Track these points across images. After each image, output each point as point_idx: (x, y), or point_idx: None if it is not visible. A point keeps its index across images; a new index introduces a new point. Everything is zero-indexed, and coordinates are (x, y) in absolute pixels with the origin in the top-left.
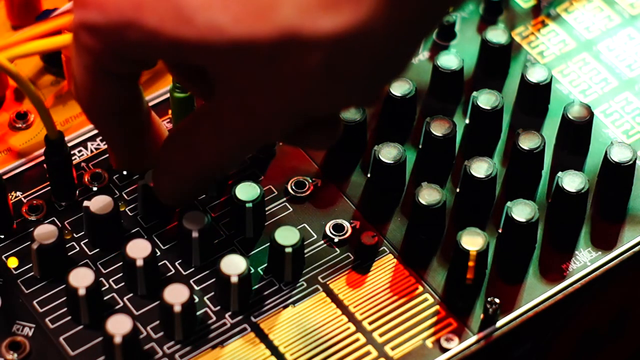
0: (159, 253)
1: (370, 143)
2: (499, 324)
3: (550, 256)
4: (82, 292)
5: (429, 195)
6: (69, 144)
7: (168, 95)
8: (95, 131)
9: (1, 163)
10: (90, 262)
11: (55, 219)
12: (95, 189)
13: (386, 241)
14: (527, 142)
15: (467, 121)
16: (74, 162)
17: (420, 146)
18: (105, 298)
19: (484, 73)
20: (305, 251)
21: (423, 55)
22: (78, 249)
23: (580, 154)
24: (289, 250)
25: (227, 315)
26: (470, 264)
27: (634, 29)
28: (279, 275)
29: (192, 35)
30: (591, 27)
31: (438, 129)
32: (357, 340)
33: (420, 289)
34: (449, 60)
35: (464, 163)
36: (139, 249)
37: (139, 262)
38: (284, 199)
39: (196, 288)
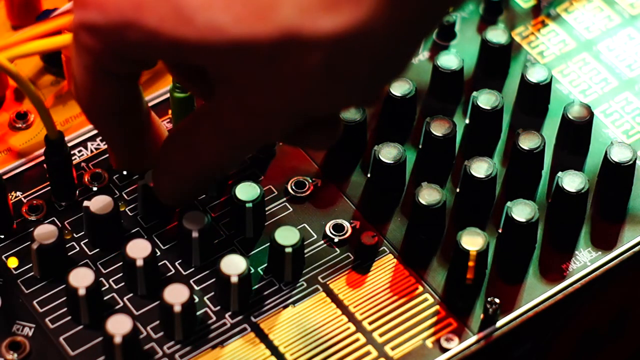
0: (159, 253)
1: (370, 143)
2: (499, 324)
3: (550, 256)
4: (82, 292)
5: (429, 195)
6: (69, 144)
7: (168, 95)
8: (95, 131)
9: (1, 163)
10: (90, 262)
11: (55, 219)
12: (95, 189)
13: (386, 241)
14: (527, 142)
15: (467, 121)
16: (74, 162)
17: (420, 146)
18: (105, 298)
19: (484, 73)
20: (305, 251)
21: (423, 55)
22: (78, 249)
23: (580, 154)
24: (289, 250)
25: (227, 315)
26: (470, 264)
27: (634, 29)
28: (279, 275)
29: (192, 35)
30: (591, 27)
31: (438, 129)
32: (357, 340)
33: (420, 289)
34: (449, 60)
35: (464, 163)
36: (139, 249)
37: (139, 262)
38: (284, 199)
39: (196, 288)
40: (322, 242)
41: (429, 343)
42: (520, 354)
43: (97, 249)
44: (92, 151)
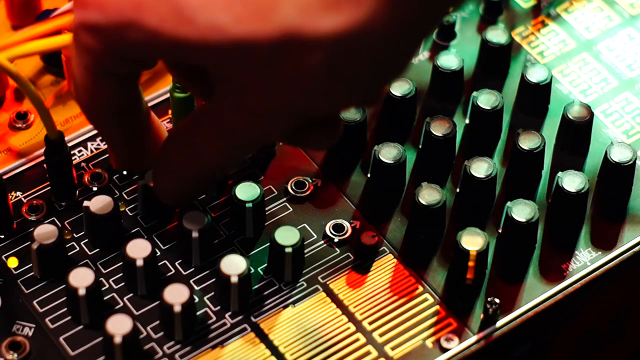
0: (159, 253)
1: (370, 143)
2: (499, 324)
3: (550, 256)
4: (82, 292)
5: (429, 195)
6: (69, 144)
7: (168, 95)
8: (95, 131)
9: (1, 163)
10: (90, 262)
11: (55, 219)
12: (95, 189)
13: (386, 241)
14: (527, 142)
15: (467, 121)
16: (74, 162)
17: (420, 146)
18: (105, 298)
19: (484, 73)
20: (305, 251)
21: (423, 55)
22: (78, 249)
23: (580, 154)
24: (289, 250)
25: (227, 315)
26: (470, 264)
27: (634, 29)
28: (279, 275)
29: (193, 35)
30: (591, 27)
31: (438, 129)
32: (357, 340)
33: (420, 289)
34: (449, 60)
35: (464, 163)
36: (139, 249)
37: (139, 262)
38: (284, 199)
39: (196, 288)
40: (322, 242)
41: (429, 343)
42: (520, 354)
43: (97, 249)
44: (92, 151)
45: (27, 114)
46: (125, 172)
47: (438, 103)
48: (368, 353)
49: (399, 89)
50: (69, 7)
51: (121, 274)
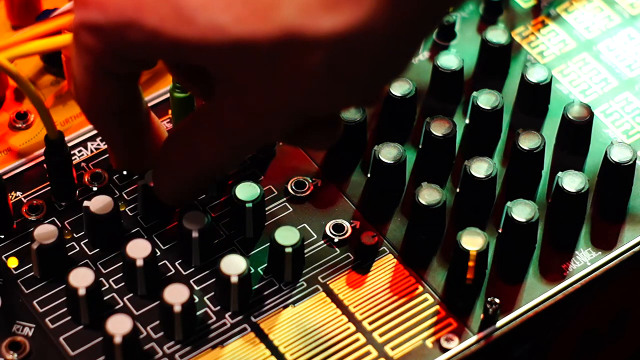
0: (159, 253)
1: (370, 143)
2: (499, 324)
3: (550, 256)
4: (82, 292)
5: (429, 195)
6: (69, 144)
7: (168, 95)
8: (95, 131)
9: (1, 163)
10: (90, 262)
11: (55, 219)
12: (95, 189)
13: (386, 241)
14: (527, 142)
15: (467, 121)
16: (74, 162)
17: (420, 146)
18: (105, 298)
19: (484, 73)
20: (305, 251)
21: (423, 55)
22: (78, 249)
23: (580, 154)
24: (289, 250)
25: (227, 315)
26: (470, 264)
27: (634, 29)
28: (279, 275)
29: (193, 35)
30: (591, 27)
31: (438, 129)
32: (357, 340)
33: (420, 289)
34: (449, 60)
35: (464, 163)
36: (139, 249)
37: (139, 262)
38: (284, 199)
39: (196, 288)
40: (322, 242)
41: (429, 343)
42: (520, 354)
43: (97, 249)
44: (92, 151)
45: (27, 114)
46: (125, 172)
47: (438, 103)
48: (368, 353)
49: (399, 89)
50: (69, 7)
51: (121, 274)
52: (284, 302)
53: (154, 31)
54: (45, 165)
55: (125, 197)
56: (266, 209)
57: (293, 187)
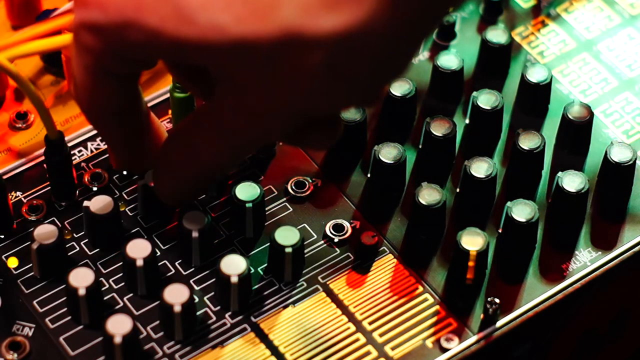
0: (159, 253)
1: (370, 143)
2: (499, 324)
3: (550, 256)
4: (82, 292)
5: (429, 195)
6: (69, 144)
7: (168, 95)
8: (96, 131)
9: (1, 163)
10: (90, 262)
11: (55, 219)
12: (95, 189)
13: (386, 241)
14: (527, 142)
15: (467, 121)
16: (74, 162)
17: (420, 146)
18: (105, 298)
19: (484, 73)
20: (305, 251)
21: (423, 55)
22: (78, 249)
23: (580, 154)
24: (289, 250)
25: (227, 315)
26: (470, 264)
27: (634, 29)
28: (279, 275)
29: (193, 35)
30: (591, 27)
31: (438, 129)
32: (357, 340)
33: (420, 289)
34: (449, 60)
35: (464, 163)
36: (139, 249)
37: (139, 262)
38: (284, 199)
39: (196, 288)
40: (322, 242)
41: (429, 343)
42: (520, 354)
43: (97, 249)
44: (92, 151)
45: (27, 114)
46: (125, 172)
47: (438, 103)
48: (368, 353)
49: (399, 89)
50: (69, 7)
51: (121, 274)
52: (284, 302)
53: (154, 31)
54: (45, 165)
55: (125, 197)
56: (266, 209)
57: (293, 187)
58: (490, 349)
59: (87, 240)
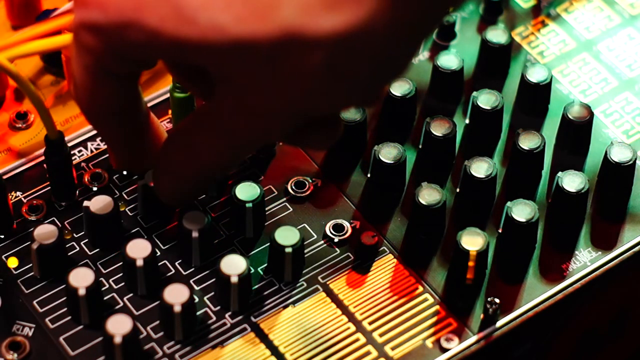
0: (159, 253)
1: (370, 143)
2: (499, 324)
3: (550, 256)
4: (82, 292)
5: (429, 195)
6: (69, 144)
7: (168, 95)
8: (95, 131)
9: (1, 163)
10: (90, 262)
11: (55, 219)
12: (95, 189)
13: (386, 241)
14: (527, 142)
15: (467, 121)
16: (74, 162)
17: (420, 146)
18: (105, 298)
19: (484, 73)
20: (305, 251)
21: (423, 55)
22: (78, 249)
23: (580, 154)
24: (289, 250)
25: (227, 315)
26: (470, 264)
27: (634, 29)
28: (279, 275)
29: (194, 35)
30: (591, 27)
31: (438, 129)
32: (357, 340)
33: (420, 289)
34: (449, 60)
35: (464, 163)
36: (139, 249)
37: (139, 262)
38: (284, 199)
39: (196, 288)
40: (322, 242)
41: (429, 343)
42: (520, 354)
43: (97, 249)
44: (92, 151)
45: (27, 114)
46: (125, 172)
47: (438, 103)
48: (368, 353)
49: (399, 89)
50: (69, 7)
51: (121, 274)
52: (284, 302)
53: (154, 31)
54: (45, 165)
55: (125, 197)
56: (266, 209)
57: (293, 187)
58: (490, 349)
59: (87, 240)
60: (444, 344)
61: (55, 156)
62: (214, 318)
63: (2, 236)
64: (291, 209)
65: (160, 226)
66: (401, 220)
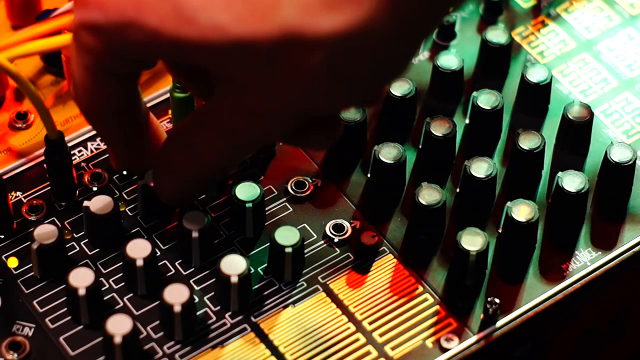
0: (159, 253)
1: (370, 143)
2: (499, 324)
3: (550, 256)
4: (82, 292)
5: (429, 195)
6: (69, 144)
7: (168, 95)
8: (95, 131)
9: (1, 163)
10: (90, 262)
11: (55, 219)
12: (95, 189)
13: (386, 241)
14: (527, 142)
15: (467, 121)
16: (74, 162)
17: (420, 146)
18: (105, 298)
19: (484, 73)
20: (305, 251)
21: (423, 55)
22: (78, 249)
23: (580, 154)
24: (289, 250)
25: (227, 315)
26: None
27: (634, 29)
28: (279, 275)
29: (194, 35)
30: (591, 27)
31: (438, 129)
32: (357, 340)
33: (420, 289)
34: (449, 60)
35: (464, 163)
36: (139, 249)
37: (139, 262)
38: (284, 199)
39: (196, 288)
40: (322, 242)
41: (429, 343)
42: (520, 354)
43: (97, 249)
44: (92, 151)
45: (27, 114)
46: (125, 172)
47: (438, 103)
48: (368, 353)
49: (399, 89)
50: (69, 7)
51: (121, 274)
52: (284, 302)
53: (154, 31)
54: (45, 165)
55: (125, 197)
56: (266, 209)
57: (293, 187)
58: (490, 349)
59: (87, 240)
60: (444, 344)
61: (55, 156)
62: (214, 318)
63: (2, 236)
64: (291, 209)
65: (160, 226)
66: (401, 220)
